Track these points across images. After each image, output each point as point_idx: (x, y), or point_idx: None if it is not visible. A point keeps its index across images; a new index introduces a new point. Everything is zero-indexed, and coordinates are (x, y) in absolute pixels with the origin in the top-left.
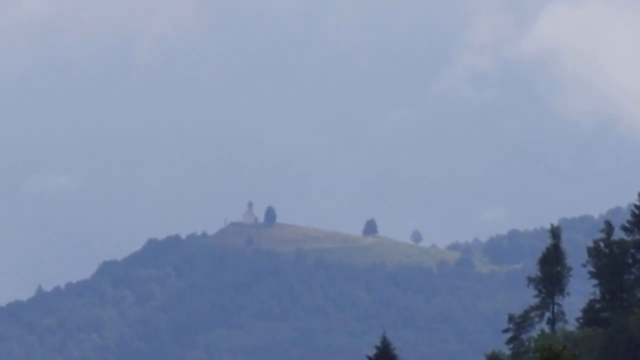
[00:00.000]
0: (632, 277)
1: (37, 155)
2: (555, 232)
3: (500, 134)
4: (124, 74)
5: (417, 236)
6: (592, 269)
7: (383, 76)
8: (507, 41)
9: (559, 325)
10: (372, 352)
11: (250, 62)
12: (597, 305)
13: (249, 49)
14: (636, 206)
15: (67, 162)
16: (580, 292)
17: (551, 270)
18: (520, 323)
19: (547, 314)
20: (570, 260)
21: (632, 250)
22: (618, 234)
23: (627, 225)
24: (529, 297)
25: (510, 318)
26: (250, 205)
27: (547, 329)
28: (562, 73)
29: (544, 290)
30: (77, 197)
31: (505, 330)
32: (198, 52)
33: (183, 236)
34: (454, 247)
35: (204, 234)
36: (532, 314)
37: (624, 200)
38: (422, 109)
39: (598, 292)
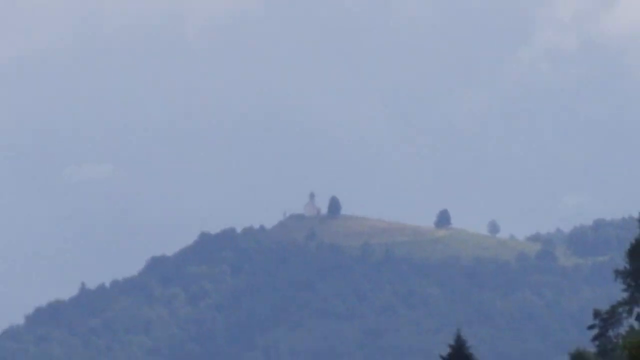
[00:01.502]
0: None
1: (77, 142)
2: None
3: (584, 116)
4: (172, 55)
5: (494, 227)
6: None
7: (457, 56)
8: (589, 17)
9: None
10: (445, 352)
11: (313, 41)
12: None
13: (313, 28)
14: None
15: (108, 150)
16: None
17: None
18: (607, 319)
19: (637, 309)
20: None
21: None
22: None
23: None
24: (617, 291)
25: (596, 314)
26: (312, 195)
27: (636, 325)
28: None
29: (632, 283)
30: (121, 187)
31: (591, 327)
32: (254, 34)
33: (239, 230)
34: (535, 238)
35: (262, 228)
36: (620, 310)
37: None
38: (499, 91)
39: None
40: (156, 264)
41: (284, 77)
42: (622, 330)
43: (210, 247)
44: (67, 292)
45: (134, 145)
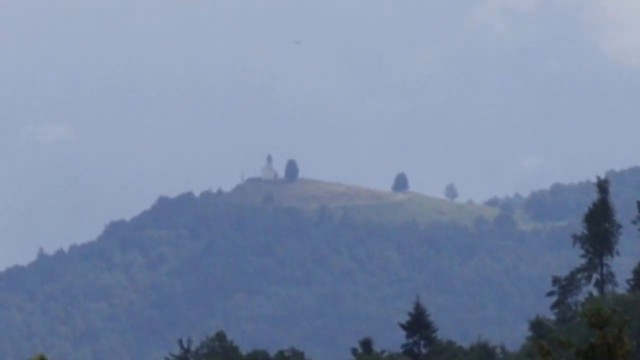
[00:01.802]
0: None
1: (31, 102)
2: (602, 186)
3: (540, 76)
4: (130, 13)
5: (451, 191)
6: None
7: (411, 12)
8: None
9: (607, 287)
10: (404, 319)
11: (265, 3)
12: None
13: None
14: None
15: (64, 110)
16: (630, 251)
17: (599, 228)
18: (565, 286)
19: (595, 276)
20: (619, 217)
21: None
22: None
23: None
24: (575, 257)
25: (555, 280)
26: (269, 159)
27: (595, 291)
28: (609, 8)
29: (591, 249)
30: (78, 150)
31: (550, 294)
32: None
33: (197, 194)
34: (493, 202)
35: (220, 191)
36: (579, 276)
37: None
38: (455, 50)
39: None
40: (115, 229)
41: (239, 40)
42: (581, 297)
43: (169, 211)
44: (25, 257)
45: (91, 106)
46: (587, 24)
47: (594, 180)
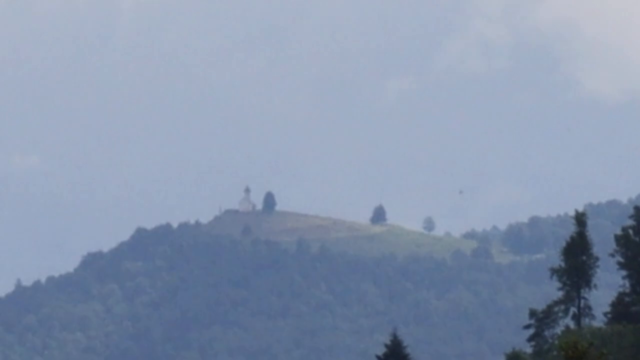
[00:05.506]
0: None
1: (1, 133)
2: (580, 219)
3: (515, 109)
4: (104, 45)
5: (429, 224)
6: (621, 259)
7: (385, 42)
8: (520, 8)
9: (585, 320)
10: (381, 351)
11: (243, 35)
12: (627, 299)
13: (238, 18)
14: None
15: (34, 141)
16: (608, 284)
17: (576, 261)
18: (542, 319)
19: (572, 309)
20: (597, 250)
21: None
22: None
23: None
24: (552, 290)
25: (532, 313)
26: (247, 190)
27: (572, 324)
28: (581, 42)
29: (568, 282)
30: (51, 181)
31: (527, 327)
32: (178, 22)
33: (174, 225)
34: (470, 235)
35: (197, 223)
36: (556, 309)
37: None
38: (429, 82)
39: (628, 285)
40: (92, 260)
41: (216, 71)
42: (558, 330)
43: (146, 242)
44: (2, 288)
45: (63, 136)
46: (563, 57)
47: (571, 213)
